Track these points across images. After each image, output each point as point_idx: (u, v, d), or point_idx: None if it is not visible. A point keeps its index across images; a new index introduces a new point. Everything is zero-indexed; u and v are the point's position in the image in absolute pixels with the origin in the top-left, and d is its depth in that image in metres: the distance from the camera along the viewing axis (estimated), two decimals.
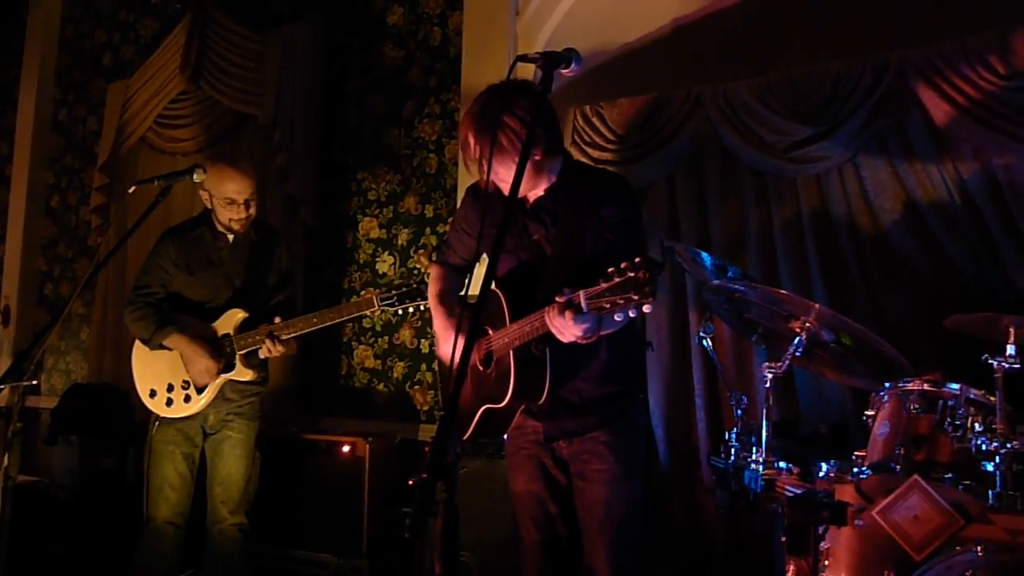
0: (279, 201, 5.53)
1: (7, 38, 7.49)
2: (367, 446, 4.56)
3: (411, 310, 3.74)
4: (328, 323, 3.82)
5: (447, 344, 2.91)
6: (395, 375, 5.19)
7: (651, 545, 4.20)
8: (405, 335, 5.17)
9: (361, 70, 5.54)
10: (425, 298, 3.64)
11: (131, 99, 6.38)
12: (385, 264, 5.28)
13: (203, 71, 5.92)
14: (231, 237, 3.99)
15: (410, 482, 1.76)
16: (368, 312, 3.77)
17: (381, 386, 5.24)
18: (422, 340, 5.09)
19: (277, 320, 3.82)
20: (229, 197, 3.86)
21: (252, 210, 3.94)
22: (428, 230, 5.16)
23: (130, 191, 3.70)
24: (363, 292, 3.71)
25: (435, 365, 4.91)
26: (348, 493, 4.54)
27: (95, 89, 6.90)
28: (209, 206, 3.96)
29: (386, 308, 3.72)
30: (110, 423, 5.62)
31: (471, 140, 2.62)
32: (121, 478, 5.54)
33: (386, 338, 5.25)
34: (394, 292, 3.73)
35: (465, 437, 2.80)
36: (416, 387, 5.10)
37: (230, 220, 3.92)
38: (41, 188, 7.10)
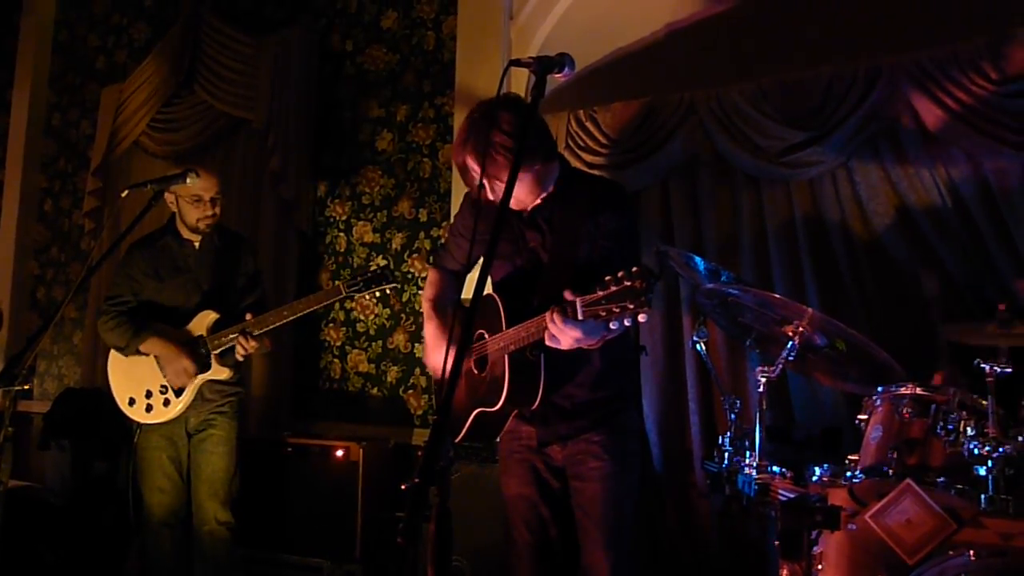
0: (272, 205, 5.53)
1: (0, 42, 7.47)
2: (361, 451, 4.56)
3: (378, 293, 3.81)
4: (299, 314, 3.85)
5: (436, 353, 2.93)
6: (389, 379, 5.19)
7: (645, 548, 4.20)
8: (399, 339, 5.17)
9: (355, 74, 5.54)
10: (391, 281, 3.78)
11: (124, 103, 6.37)
12: None
13: (197, 75, 5.92)
14: (197, 244, 4.06)
15: (403, 487, 1.77)
16: (337, 299, 3.83)
17: (375, 390, 5.24)
18: (416, 344, 5.09)
19: (249, 317, 3.87)
20: (196, 194, 3.92)
21: (218, 209, 4.02)
22: (422, 234, 5.16)
23: (123, 195, 3.80)
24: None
25: (429, 369, 4.91)
26: (341, 498, 4.53)
27: (88, 93, 6.89)
28: (175, 208, 4.03)
29: (353, 294, 3.79)
30: (103, 427, 5.59)
31: (470, 164, 2.64)
32: (114, 483, 5.52)
33: (380, 342, 5.25)
34: (360, 278, 3.79)
35: (457, 440, 2.82)
36: (410, 391, 5.10)
37: (197, 220, 3.98)
38: (34, 192, 7.08)
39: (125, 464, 5.61)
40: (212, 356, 3.91)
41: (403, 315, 5.16)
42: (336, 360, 5.39)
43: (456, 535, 1.82)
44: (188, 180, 3.70)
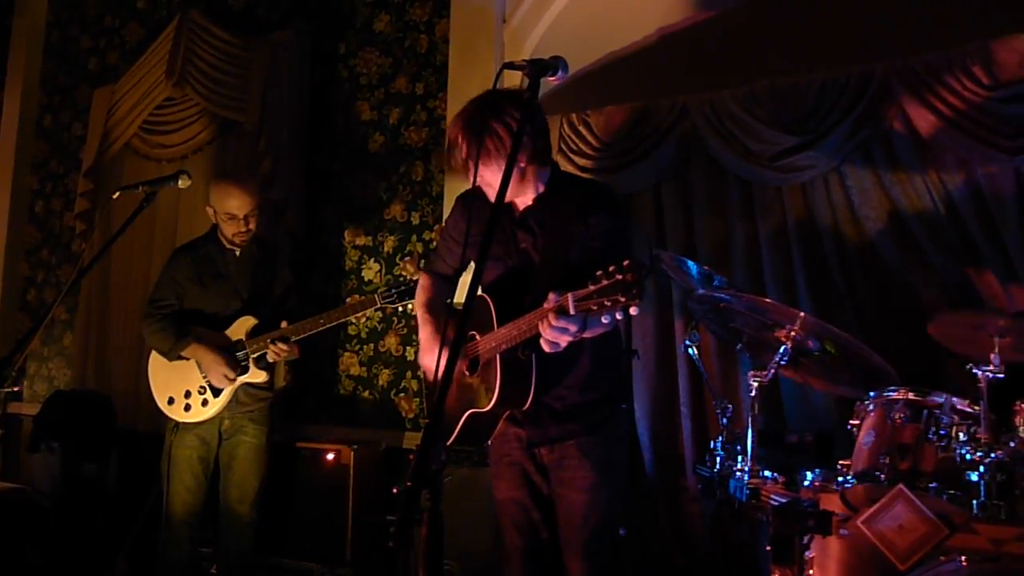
0: (264, 208, 5.49)
1: None
2: (352, 454, 4.55)
3: (400, 308, 4.05)
4: (334, 322, 4.07)
5: (431, 355, 2.92)
6: (380, 382, 5.18)
7: (636, 553, 4.19)
8: (391, 342, 5.16)
9: (347, 77, 5.53)
10: None
11: (116, 105, 6.34)
12: (371, 271, 5.27)
13: (189, 77, 5.90)
14: (237, 252, 4.22)
15: (395, 490, 1.76)
16: (372, 310, 4.07)
17: (366, 393, 5.22)
18: (407, 347, 5.08)
19: (284, 324, 4.03)
20: (230, 212, 4.10)
21: (252, 225, 4.18)
22: (414, 237, 5.15)
23: (115, 197, 3.88)
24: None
25: (420, 373, 4.90)
26: (333, 501, 4.52)
27: (80, 94, 6.87)
28: (215, 221, 4.20)
29: (387, 305, 4.00)
30: (93, 430, 5.57)
31: (459, 140, 2.65)
32: (103, 485, 5.50)
33: (371, 345, 5.23)
34: (395, 290, 3.98)
35: (448, 443, 2.81)
36: (401, 395, 5.09)
37: (232, 235, 4.15)
38: (25, 193, 7.05)
39: (116, 466, 5.61)
40: (250, 360, 4.08)
41: (395, 318, 5.15)
42: (328, 363, 5.37)
43: (447, 538, 1.82)
44: (180, 183, 3.77)
